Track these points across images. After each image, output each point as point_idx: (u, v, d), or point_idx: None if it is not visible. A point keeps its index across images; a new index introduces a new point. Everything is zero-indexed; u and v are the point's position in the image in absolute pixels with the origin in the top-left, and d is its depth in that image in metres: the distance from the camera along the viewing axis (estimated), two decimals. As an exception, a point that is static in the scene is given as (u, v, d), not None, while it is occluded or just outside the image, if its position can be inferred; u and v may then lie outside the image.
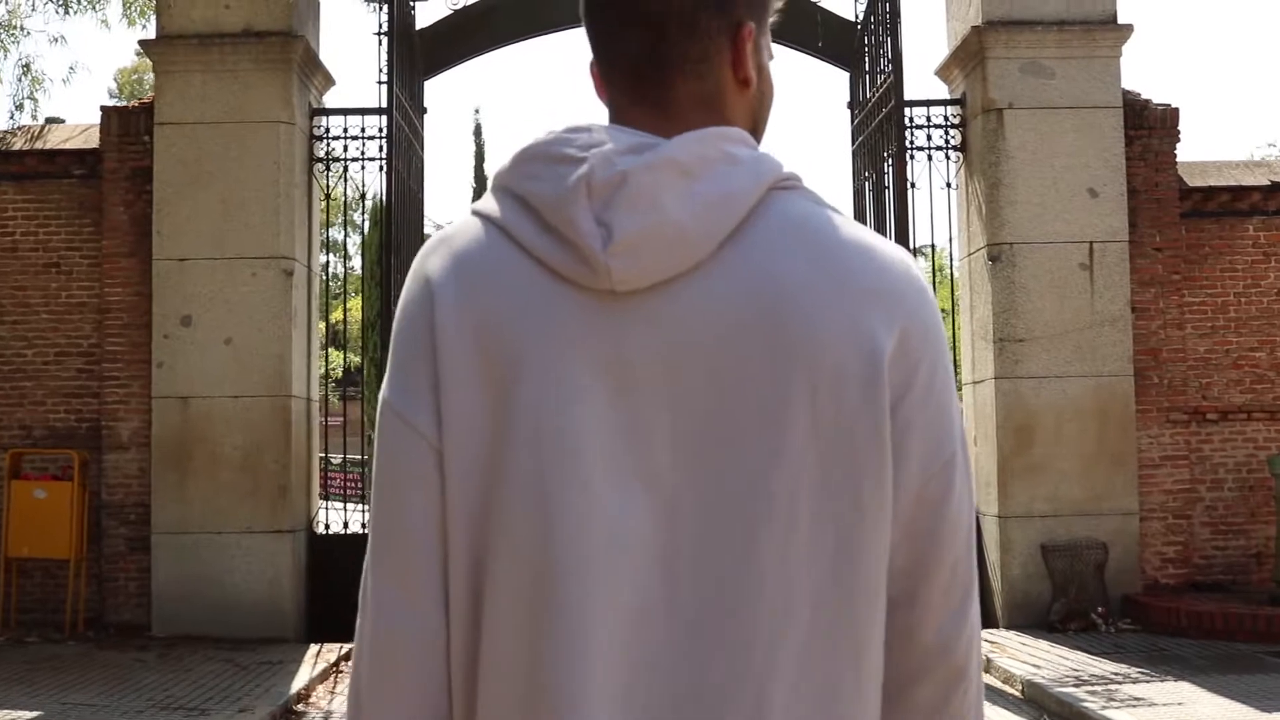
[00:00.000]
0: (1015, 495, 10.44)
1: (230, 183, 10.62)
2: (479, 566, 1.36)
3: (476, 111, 52.50)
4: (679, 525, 1.34)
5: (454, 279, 1.38)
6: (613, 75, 1.46)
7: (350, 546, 10.78)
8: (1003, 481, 10.45)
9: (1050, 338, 10.52)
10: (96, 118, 11.14)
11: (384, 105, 10.64)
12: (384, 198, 10.67)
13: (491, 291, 1.37)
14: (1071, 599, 10.22)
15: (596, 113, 1.59)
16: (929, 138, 11.15)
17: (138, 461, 10.69)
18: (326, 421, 11.79)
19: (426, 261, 1.41)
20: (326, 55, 11.55)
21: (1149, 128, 10.89)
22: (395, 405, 1.39)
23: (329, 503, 12.42)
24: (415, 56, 11.36)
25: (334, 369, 24.93)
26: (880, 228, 10.67)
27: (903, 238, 10.03)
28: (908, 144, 10.74)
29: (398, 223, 10.76)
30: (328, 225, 11.25)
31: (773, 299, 1.34)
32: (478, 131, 43.76)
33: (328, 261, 11.73)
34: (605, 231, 1.32)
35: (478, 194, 44.03)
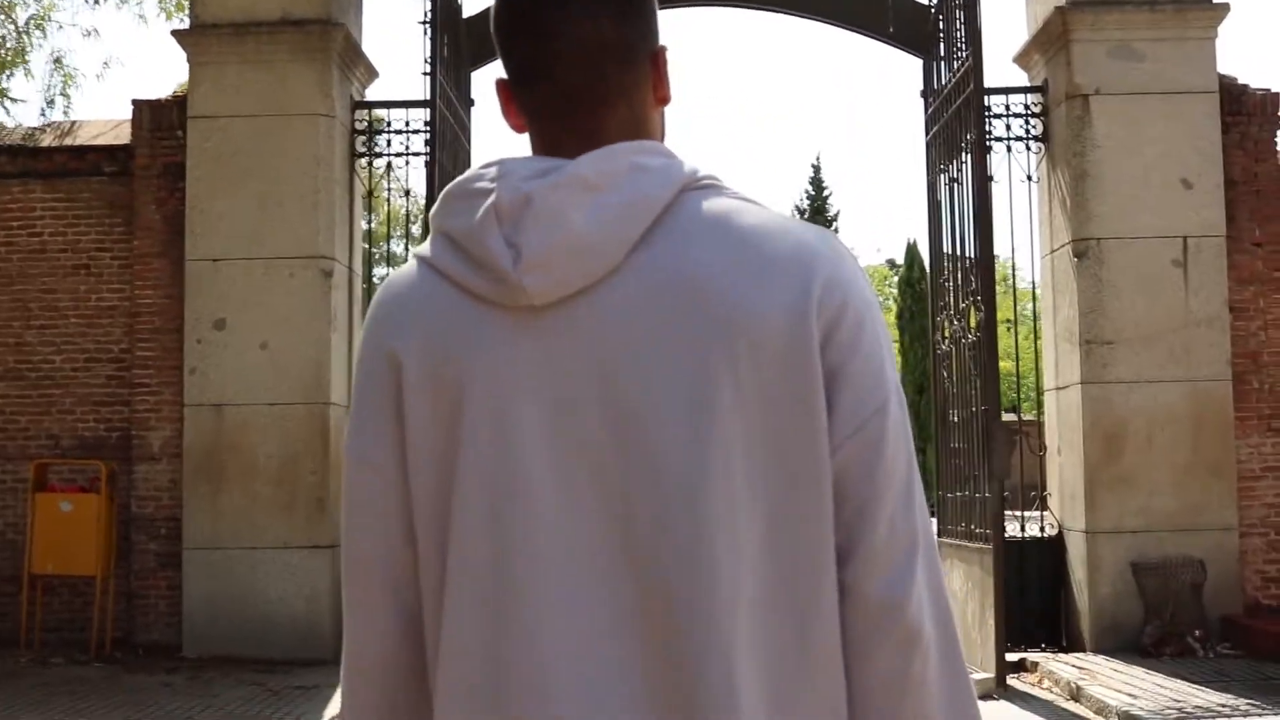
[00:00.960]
0: (1104, 509, 9.69)
1: (267, 179, 10.06)
2: (444, 568, 1.49)
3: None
4: (628, 512, 1.43)
5: (397, 322, 1.53)
6: (541, 108, 1.56)
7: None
8: (1090, 494, 9.70)
9: (1141, 340, 9.77)
10: (129, 113, 10.61)
11: (427, 97, 10.03)
12: (426, 194, 10.04)
13: (430, 327, 1.51)
14: (1166, 621, 9.45)
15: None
16: (1008, 128, 10.44)
17: (169, 473, 10.15)
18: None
19: (374, 309, 1.57)
20: (370, 47, 10.97)
21: (1247, 114, 10.13)
22: (351, 444, 1.55)
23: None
24: (461, 46, 10.76)
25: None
26: (958, 223, 9.98)
27: (985, 233, 9.32)
28: (986, 134, 10.03)
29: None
30: (372, 223, 10.61)
31: (687, 288, 1.44)
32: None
33: (369, 261, 11.09)
34: (515, 252, 1.44)
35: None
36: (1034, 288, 10.65)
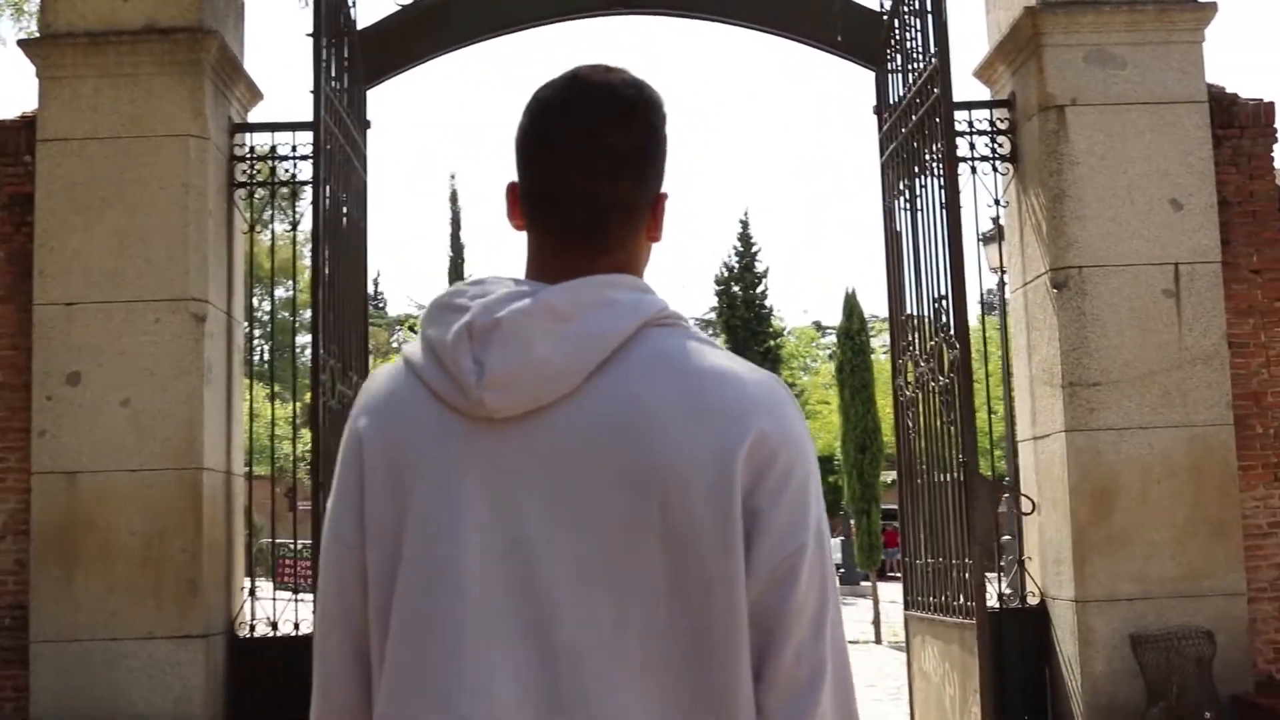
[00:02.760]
0: (1095, 575, 8.46)
1: (128, 210, 8.71)
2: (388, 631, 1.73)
3: (453, 178, 50.97)
4: (551, 618, 1.64)
5: (374, 414, 1.79)
6: (540, 234, 1.80)
7: (279, 652, 8.75)
8: (1079, 558, 8.47)
9: (1131, 381, 8.59)
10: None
11: (312, 118, 8.72)
12: (312, 227, 8.71)
13: (400, 421, 1.75)
14: (1172, 703, 8.21)
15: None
16: (972, 146, 9.28)
17: (13, 553, 8.69)
18: (294, 506, 9.76)
19: (360, 399, 1.84)
20: (258, 67, 9.52)
21: (1240, 126, 9.04)
22: (333, 522, 1.80)
23: (285, 594, 10.40)
24: (356, 60, 9.48)
25: (306, 451, 23.10)
26: (922, 250, 8.78)
27: (956, 259, 8.11)
28: (930, 168, 8.86)
29: (333, 255, 8.83)
30: (252, 262, 9.27)
31: (632, 422, 1.65)
32: (454, 198, 42.12)
33: (251, 305, 9.72)
34: (479, 369, 1.67)
35: (454, 262, 42.37)
36: (1003, 327, 9.36)
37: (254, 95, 9.74)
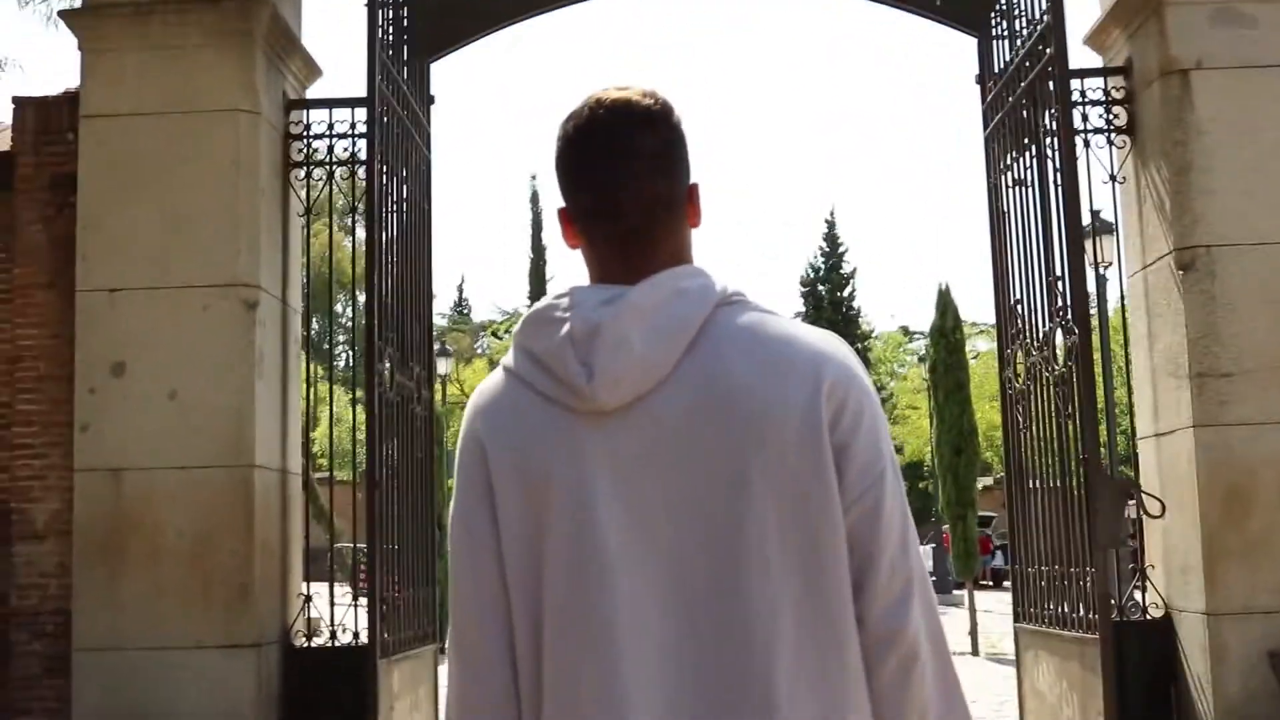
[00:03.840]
0: (1229, 585, 7.63)
1: (176, 191, 8.15)
2: (538, 628, 1.99)
3: (534, 178, 49.97)
4: (685, 568, 1.94)
5: (491, 421, 2.07)
6: (603, 240, 2.08)
7: (335, 664, 8.15)
8: (1210, 567, 7.64)
9: (1267, 370, 7.76)
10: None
11: (366, 94, 8.09)
12: (366, 208, 8.11)
13: (518, 426, 2.03)
14: (1317, 728, 7.38)
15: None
16: (1085, 118, 8.45)
17: (56, 555, 8.15)
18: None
19: (472, 410, 2.10)
20: (316, 44, 8.91)
21: (1387, 89, 8.16)
22: (460, 518, 2.07)
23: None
24: (416, 31, 8.87)
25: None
26: (1033, 229, 8.01)
27: (1075, 235, 7.36)
28: (1051, 128, 8.08)
29: (389, 241, 8.22)
30: (310, 247, 8.68)
31: (721, 389, 1.95)
32: (534, 199, 41.63)
33: (310, 293, 9.10)
34: (588, 370, 1.96)
35: (535, 265, 41.91)
36: (1123, 312, 8.52)
37: (311, 71, 9.16)
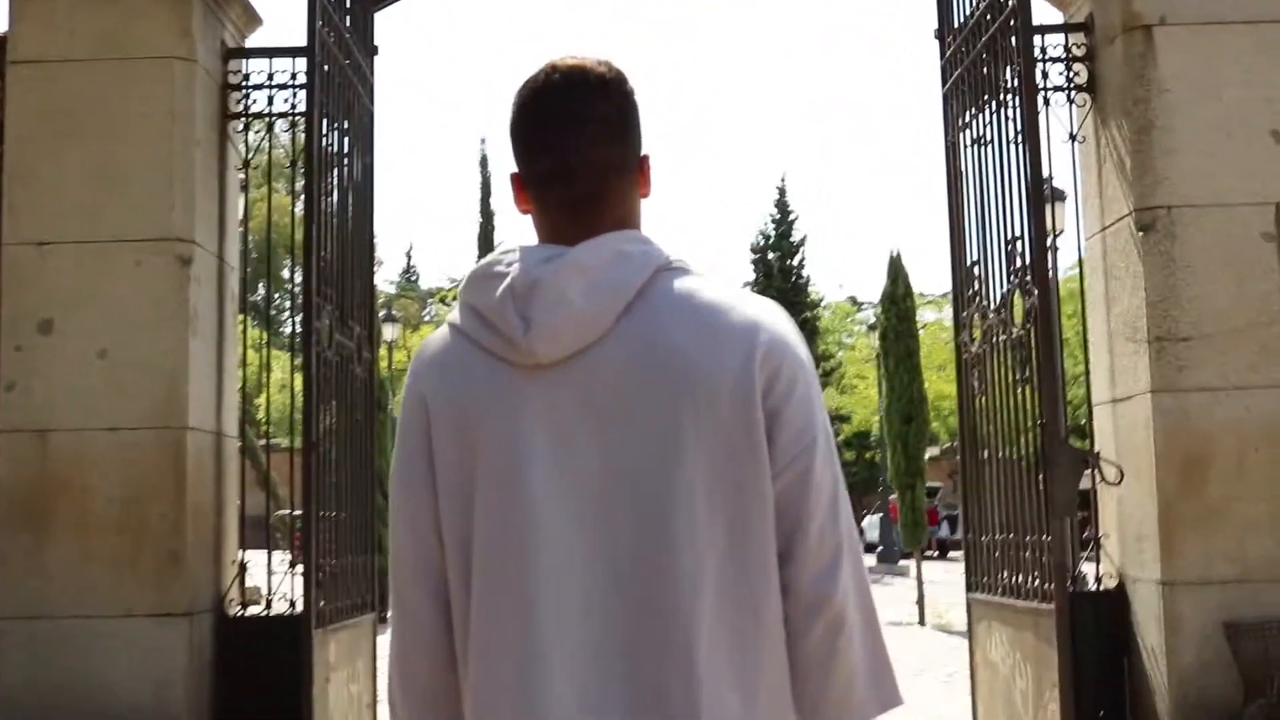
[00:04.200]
0: (1185, 554, 7.50)
1: (107, 140, 7.83)
2: (469, 584, 2.05)
3: (483, 142, 49.49)
4: (613, 522, 1.99)
5: (433, 374, 2.13)
6: (555, 203, 2.14)
7: (270, 634, 7.90)
8: (1166, 535, 7.51)
9: (1226, 335, 7.62)
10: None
11: (306, 42, 7.79)
12: (305, 161, 7.82)
13: (459, 378, 2.09)
14: (1272, 699, 7.27)
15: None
16: (1044, 75, 8.26)
17: (-21, 519, 7.83)
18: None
19: (415, 364, 2.16)
20: None
21: (1352, 50, 8.01)
22: (401, 473, 2.14)
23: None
24: (360, -22, 8.58)
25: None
26: (994, 188, 7.82)
27: (1037, 196, 7.19)
28: (1004, 88, 7.89)
29: (329, 195, 7.94)
30: (247, 198, 8.39)
31: (658, 351, 2.01)
32: (483, 163, 41.19)
33: (247, 247, 8.78)
34: (526, 323, 2.02)
35: (484, 229, 41.57)
36: (1081, 274, 8.36)
37: (251, 19, 8.83)
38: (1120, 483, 7.56)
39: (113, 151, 7.82)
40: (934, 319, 48.65)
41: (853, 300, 70.06)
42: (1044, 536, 7.06)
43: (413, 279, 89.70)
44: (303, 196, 8.01)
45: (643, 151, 2.20)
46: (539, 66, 2.16)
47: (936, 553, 39.18)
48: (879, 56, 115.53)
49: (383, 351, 39.32)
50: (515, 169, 2.19)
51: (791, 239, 52.12)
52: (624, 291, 2.02)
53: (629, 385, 2.01)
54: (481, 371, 2.07)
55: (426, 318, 72.13)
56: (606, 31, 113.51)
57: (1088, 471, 7.53)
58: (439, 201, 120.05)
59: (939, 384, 36.68)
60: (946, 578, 31.75)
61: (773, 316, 2.09)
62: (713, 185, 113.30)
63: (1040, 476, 7.15)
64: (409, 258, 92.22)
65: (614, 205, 2.13)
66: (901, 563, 37.42)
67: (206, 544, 7.97)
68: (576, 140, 2.12)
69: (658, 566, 1.96)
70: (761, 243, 51.81)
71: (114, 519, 7.63)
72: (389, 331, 40.58)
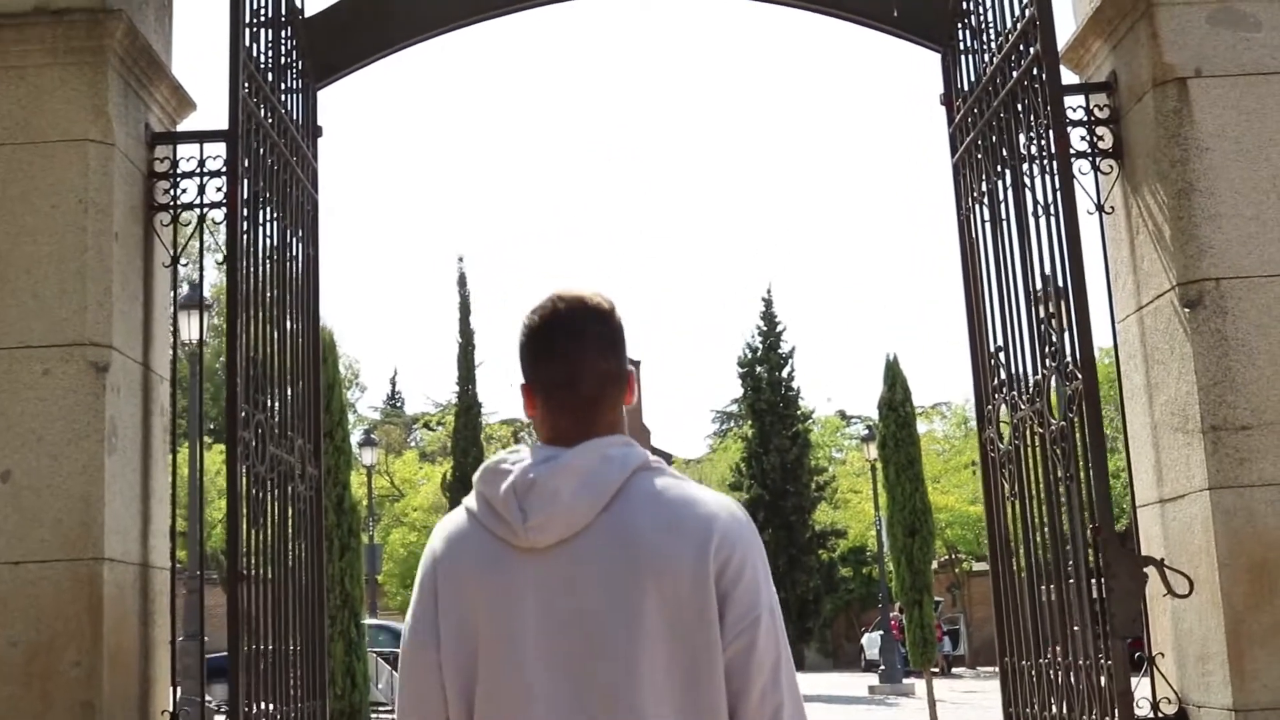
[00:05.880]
0: (1258, 674, 6.47)
1: (10, 233, 6.90)
2: (470, 709, 2.58)
3: (460, 260, 48.51)
4: (589, 678, 2.49)
5: (445, 549, 2.67)
6: (554, 410, 2.68)
7: (201, 797, 6.79)
8: (1235, 654, 6.48)
9: (1291, 422, 6.66)
10: None
11: (228, 115, 6.89)
12: (227, 260, 6.88)
13: (466, 554, 2.63)
14: (1372, 844, 6.20)
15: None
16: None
17: None
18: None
19: (434, 538, 2.72)
20: (196, 78, 7.71)
21: None
22: (412, 630, 2.65)
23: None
24: (301, 53, 7.71)
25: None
26: (1016, 267, 6.91)
27: (1076, 268, 6.25)
28: (1025, 153, 7.03)
29: (259, 290, 6.99)
30: (176, 300, 7.43)
31: (630, 540, 2.52)
32: (462, 281, 40.32)
33: (176, 355, 7.78)
34: (524, 514, 2.55)
35: (464, 350, 40.70)
36: (1117, 362, 7.42)
37: (182, 102, 7.95)
38: (1190, 594, 6.53)
39: (16, 246, 6.88)
40: (924, 430, 47.68)
41: (841, 414, 69.21)
42: (1103, 660, 6.03)
43: (398, 405, 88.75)
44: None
45: (628, 367, 2.71)
46: (544, 297, 2.71)
47: (937, 669, 37.89)
48: (867, 142, 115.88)
49: (361, 477, 38.20)
50: (524, 381, 2.72)
51: (780, 350, 51.22)
52: (606, 490, 2.55)
53: (605, 567, 2.52)
54: (487, 549, 2.61)
55: (411, 444, 71.02)
56: (577, 93, 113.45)
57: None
58: (419, 322, 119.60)
59: (935, 496, 35.65)
60: (954, 696, 30.48)
61: (728, 512, 2.59)
62: (696, 297, 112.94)
63: (1093, 589, 6.13)
64: (393, 384, 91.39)
65: (607, 410, 2.67)
66: (905, 681, 36.08)
67: (129, 695, 6.92)
68: (580, 352, 2.65)
69: (628, 704, 2.47)
70: (749, 356, 50.95)
71: (17, 667, 6.57)
72: (368, 456, 39.60)
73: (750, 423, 51.43)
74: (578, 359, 2.63)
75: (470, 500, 2.66)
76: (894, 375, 19.78)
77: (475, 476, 2.66)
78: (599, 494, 2.52)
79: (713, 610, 2.47)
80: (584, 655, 2.49)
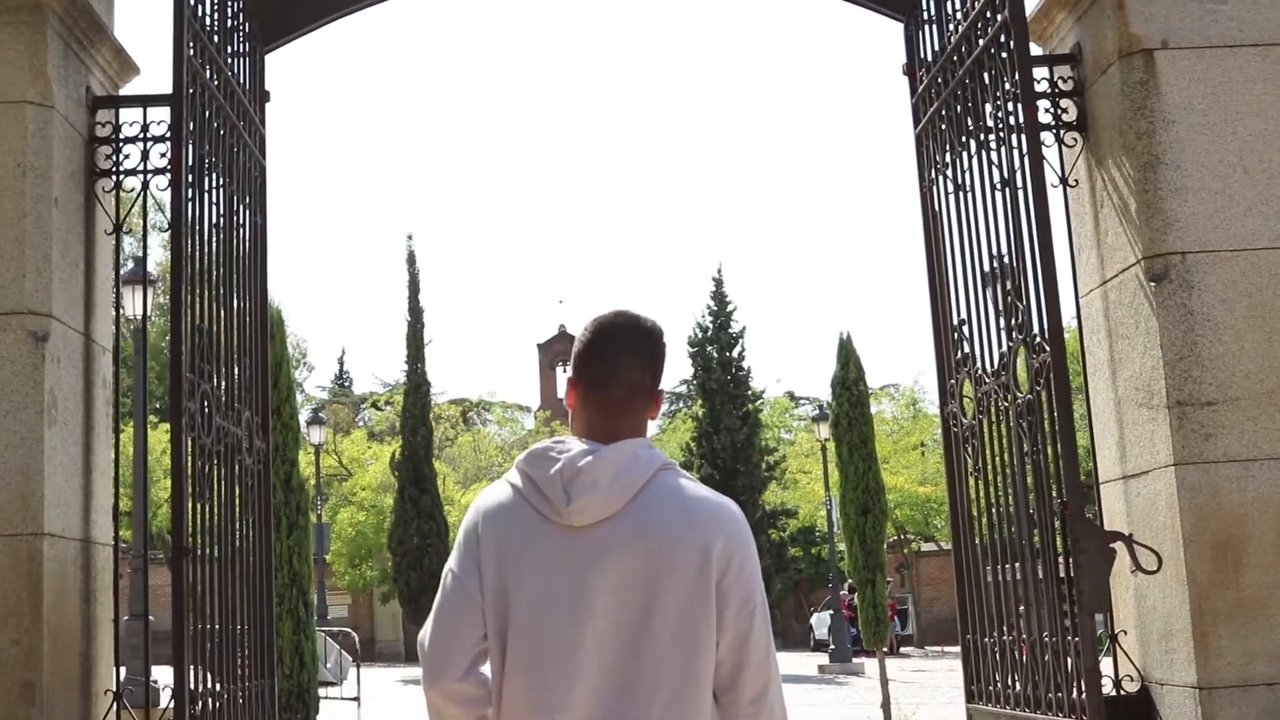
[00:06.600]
0: (1221, 652, 6.40)
1: (-53, 199, 6.65)
2: (503, 647, 3.07)
3: (409, 238, 48.04)
4: (610, 636, 3.00)
5: (491, 514, 3.14)
6: (591, 405, 3.19)
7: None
8: (1200, 632, 6.41)
9: (1256, 398, 6.59)
10: None
11: (172, 76, 6.68)
12: (171, 227, 6.67)
13: (513, 524, 3.10)
14: (1335, 822, 6.15)
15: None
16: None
17: None
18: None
19: (476, 509, 3.19)
20: (141, 42, 7.46)
21: (1377, 72, 7.09)
22: (460, 565, 3.13)
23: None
24: (246, 15, 7.48)
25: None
26: (980, 239, 6.80)
27: (1044, 239, 6.15)
28: (991, 123, 6.91)
29: (206, 259, 6.78)
30: (121, 268, 7.22)
31: (651, 527, 3.02)
32: (411, 259, 40.01)
33: (120, 323, 7.54)
34: (568, 496, 3.03)
35: (413, 329, 40.40)
36: (1082, 344, 7.32)
37: (125, 66, 7.71)
38: (1158, 570, 6.44)
39: (-46, 212, 6.63)
40: (875, 411, 47.79)
41: (790, 395, 69.31)
42: (1069, 638, 5.93)
43: (346, 384, 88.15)
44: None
45: (660, 387, 3.26)
46: (608, 310, 3.26)
47: (887, 649, 37.98)
48: (831, 105, 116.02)
49: (309, 456, 37.88)
50: (570, 375, 3.24)
51: (730, 330, 51.11)
52: (635, 483, 3.05)
53: (628, 549, 3.02)
54: (528, 521, 3.09)
55: (360, 423, 70.55)
56: (536, 68, 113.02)
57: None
58: (368, 301, 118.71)
59: (882, 476, 35.70)
60: (903, 675, 30.54)
61: (731, 513, 3.12)
62: (646, 276, 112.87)
63: (1059, 565, 6.03)
64: (341, 364, 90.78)
65: (633, 415, 3.19)
66: (855, 660, 36.14)
67: (70, 674, 6.71)
68: (621, 360, 3.18)
69: (634, 676, 2.99)
70: (699, 336, 50.86)
71: (-48, 647, 6.34)
72: (316, 435, 39.25)
73: (700, 402, 51.31)
74: (617, 364, 3.15)
75: (514, 477, 3.14)
76: (847, 354, 19.69)
77: (520, 458, 3.14)
78: (629, 486, 3.02)
79: (713, 594, 2.99)
80: (609, 616, 2.98)
